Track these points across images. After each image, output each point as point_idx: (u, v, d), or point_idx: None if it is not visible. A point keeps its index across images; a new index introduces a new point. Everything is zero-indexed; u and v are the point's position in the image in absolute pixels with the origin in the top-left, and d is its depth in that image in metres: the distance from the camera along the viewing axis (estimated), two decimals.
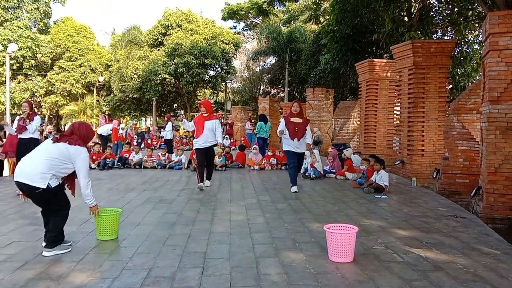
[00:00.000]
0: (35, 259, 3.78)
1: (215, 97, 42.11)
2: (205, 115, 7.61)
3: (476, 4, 14.93)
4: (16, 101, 31.67)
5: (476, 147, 8.23)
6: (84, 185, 4.04)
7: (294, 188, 7.44)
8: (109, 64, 36.98)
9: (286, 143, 7.47)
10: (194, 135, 7.93)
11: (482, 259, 3.87)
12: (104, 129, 14.69)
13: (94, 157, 11.28)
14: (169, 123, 14.93)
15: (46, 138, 14.79)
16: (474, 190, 6.97)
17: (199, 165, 7.75)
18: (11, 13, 32.23)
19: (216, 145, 7.77)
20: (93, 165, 10.97)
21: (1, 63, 29.16)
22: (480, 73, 9.66)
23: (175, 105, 37.79)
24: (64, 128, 33.16)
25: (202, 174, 7.70)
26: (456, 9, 16.46)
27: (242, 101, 35.10)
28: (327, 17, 22.06)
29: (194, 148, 8.00)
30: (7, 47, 22.79)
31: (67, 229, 4.78)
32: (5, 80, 23.94)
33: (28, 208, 5.98)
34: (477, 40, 17.57)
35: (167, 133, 14.58)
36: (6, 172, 10.26)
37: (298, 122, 7.36)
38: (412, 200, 6.93)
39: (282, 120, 7.62)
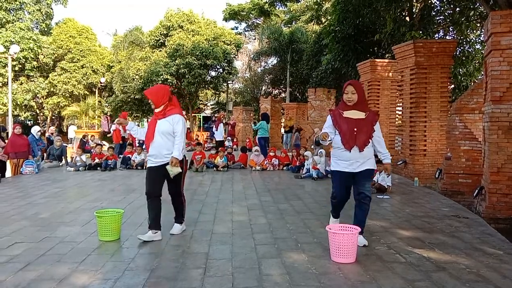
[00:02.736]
0: (38, 260, 3.78)
1: (216, 98, 42.12)
2: (157, 110, 4.51)
3: (477, 4, 14.91)
4: (18, 103, 31.75)
5: (478, 147, 8.20)
6: None
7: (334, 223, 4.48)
8: (111, 65, 37.00)
9: (336, 157, 4.32)
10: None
11: (485, 259, 3.85)
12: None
13: (96, 158, 11.30)
14: (221, 124, 16.32)
15: (48, 139, 14.83)
16: (476, 190, 6.95)
17: (147, 196, 4.57)
18: (13, 15, 32.29)
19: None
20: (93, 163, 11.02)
21: (3, 65, 29.24)
22: (482, 73, 9.64)
23: None
24: (66, 129, 33.25)
25: (155, 213, 4.51)
26: (457, 8, 16.43)
27: (244, 102, 35.11)
28: (329, 17, 22.05)
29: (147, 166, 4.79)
30: (9, 48, 22.84)
31: (69, 230, 4.79)
32: (7, 82, 23.99)
33: (30, 209, 6.00)
34: (479, 40, 17.53)
35: (218, 134, 16.20)
36: (8, 173, 10.28)
37: (359, 119, 4.23)
38: (414, 200, 6.91)
39: (329, 118, 4.41)
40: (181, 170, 4.46)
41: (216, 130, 16.40)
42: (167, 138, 4.46)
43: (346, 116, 4.24)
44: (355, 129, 4.16)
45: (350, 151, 4.14)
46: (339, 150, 4.26)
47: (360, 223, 4.17)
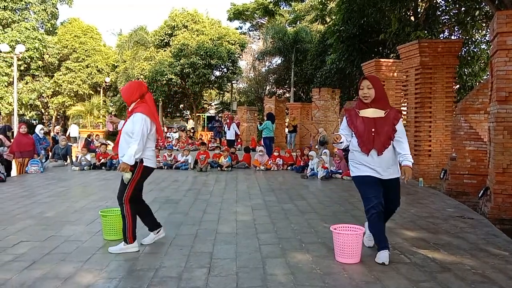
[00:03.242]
0: (43, 258, 3.80)
1: (221, 98, 42.16)
2: (129, 109, 4.16)
3: (483, 4, 14.83)
4: (24, 102, 31.93)
5: (483, 147, 8.16)
6: None
7: (384, 255, 3.68)
8: (115, 64, 37.17)
9: (355, 160, 3.86)
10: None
11: (490, 260, 3.83)
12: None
13: (101, 157, 11.34)
14: (233, 124, 16.52)
15: (53, 138, 14.89)
16: (481, 191, 6.91)
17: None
18: (19, 15, 32.46)
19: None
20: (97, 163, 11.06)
21: (9, 64, 29.42)
22: (488, 73, 9.59)
23: (181, 105, 37.92)
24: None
25: (146, 216, 4.44)
26: (463, 8, 16.36)
27: (248, 102, 35.11)
28: (333, 17, 22.04)
29: None
30: (15, 48, 22.97)
31: (74, 229, 4.81)
32: (13, 81, 24.12)
33: (35, 208, 6.03)
34: (485, 40, 17.45)
35: (229, 134, 16.40)
36: (13, 172, 10.34)
37: (377, 118, 3.78)
38: (419, 200, 6.89)
39: (345, 118, 3.96)
40: (129, 177, 3.95)
41: (228, 129, 16.47)
42: (124, 139, 4.02)
43: (363, 115, 3.79)
44: (373, 130, 3.71)
45: (367, 155, 3.72)
46: (357, 154, 3.81)
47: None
